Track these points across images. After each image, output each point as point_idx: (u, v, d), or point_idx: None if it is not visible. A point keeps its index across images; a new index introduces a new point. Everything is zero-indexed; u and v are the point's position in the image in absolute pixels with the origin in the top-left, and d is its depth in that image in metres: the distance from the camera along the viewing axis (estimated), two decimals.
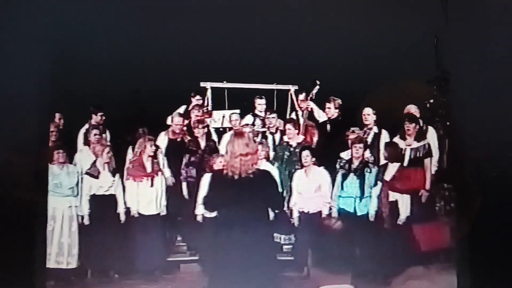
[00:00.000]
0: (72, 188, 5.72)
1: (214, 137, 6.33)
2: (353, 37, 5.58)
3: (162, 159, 6.08)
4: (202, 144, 6.16)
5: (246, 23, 5.47)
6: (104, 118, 6.10)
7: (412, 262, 5.45)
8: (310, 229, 5.46)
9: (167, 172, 6.06)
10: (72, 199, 5.72)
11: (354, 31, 5.53)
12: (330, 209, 5.81)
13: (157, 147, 6.04)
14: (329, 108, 6.22)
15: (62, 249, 5.60)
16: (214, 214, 4.42)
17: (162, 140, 6.15)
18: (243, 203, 4.06)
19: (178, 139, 6.20)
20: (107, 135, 6.12)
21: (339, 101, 6.20)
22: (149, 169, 5.91)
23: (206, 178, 5.48)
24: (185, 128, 6.26)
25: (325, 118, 6.25)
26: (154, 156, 5.95)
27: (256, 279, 4.01)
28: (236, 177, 4.14)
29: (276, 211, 4.75)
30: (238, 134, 4.67)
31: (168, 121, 6.26)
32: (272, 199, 4.28)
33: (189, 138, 6.22)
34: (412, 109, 6.05)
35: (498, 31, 4.82)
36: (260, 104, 6.39)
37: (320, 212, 5.78)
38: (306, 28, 5.57)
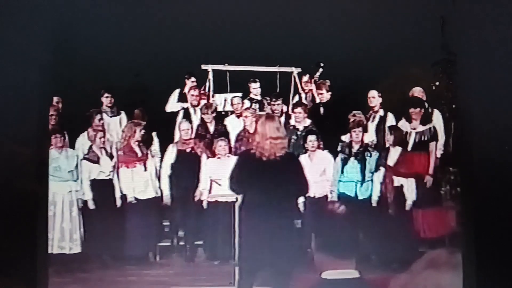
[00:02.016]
0: (71, 171, 5.72)
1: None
2: (358, 18, 5.50)
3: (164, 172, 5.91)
4: (211, 128, 6.11)
5: (248, 4, 5.39)
6: (113, 100, 6.03)
7: (416, 247, 5.43)
8: (316, 214, 5.45)
9: (166, 190, 5.88)
10: (72, 183, 5.73)
11: (358, 12, 5.44)
12: (331, 193, 5.80)
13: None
14: (322, 93, 6.18)
15: (64, 234, 5.62)
16: (239, 196, 4.54)
17: (170, 152, 5.96)
18: (269, 185, 4.16)
19: (188, 150, 5.98)
20: (123, 116, 6.06)
21: (328, 82, 6.17)
22: (139, 154, 5.87)
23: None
24: (193, 135, 6.04)
25: (318, 101, 6.22)
26: (141, 141, 5.88)
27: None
28: (264, 158, 4.29)
29: (300, 196, 4.78)
30: (270, 117, 4.81)
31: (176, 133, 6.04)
32: (297, 184, 4.40)
33: (200, 148, 6.01)
34: (417, 91, 5.99)
35: (506, 12, 4.75)
36: (255, 88, 6.34)
37: (326, 196, 5.77)
38: (310, 10, 5.48)
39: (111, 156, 5.84)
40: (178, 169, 5.90)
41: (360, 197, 5.75)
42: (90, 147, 5.80)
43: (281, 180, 4.30)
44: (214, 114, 6.17)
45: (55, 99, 5.74)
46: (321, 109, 6.18)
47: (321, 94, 6.19)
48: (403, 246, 5.41)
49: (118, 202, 5.80)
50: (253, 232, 4.28)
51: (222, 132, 6.10)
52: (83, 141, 5.86)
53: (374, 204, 5.72)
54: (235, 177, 4.50)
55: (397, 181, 5.80)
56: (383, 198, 5.76)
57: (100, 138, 5.80)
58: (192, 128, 6.06)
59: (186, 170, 5.90)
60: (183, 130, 5.98)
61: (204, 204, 5.78)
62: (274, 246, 4.23)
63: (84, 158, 5.78)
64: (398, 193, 5.78)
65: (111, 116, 6.06)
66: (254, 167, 4.36)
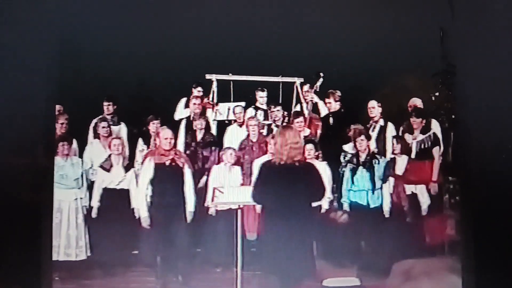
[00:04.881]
0: (77, 179, 5.75)
1: (214, 130, 6.23)
2: (359, 30, 5.56)
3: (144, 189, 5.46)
4: (199, 136, 6.10)
5: (251, 15, 5.46)
6: (114, 107, 6.01)
7: (418, 255, 5.47)
8: (313, 223, 5.51)
9: (144, 211, 5.44)
10: (77, 191, 5.75)
11: (359, 23, 5.51)
12: (331, 203, 5.80)
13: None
14: (329, 102, 6.23)
15: (70, 241, 5.64)
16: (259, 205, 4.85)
17: (147, 167, 5.52)
18: (288, 191, 4.35)
19: (167, 162, 5.51)
20: (122, 127, 6.06)
21: (338, 93, 6.22)
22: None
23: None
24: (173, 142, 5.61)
25: (326, 112, 6.25)
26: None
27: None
28: (282, 163, 4.63)
29: (315, 202, 4.99)
30: (287, 126, 5.22)
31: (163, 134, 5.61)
32: (312, 190, 4.68)
33: (182, 158, 5.62)
34: (417, 102, 6.05)
35: (504, 24, 4.81)
36: (262, 96, 6.36)
37: (320, 207, 5.71)
38: (312, 20, 5.55)
39: (127, 167, 5.82)
40: (159, 186, 5.46)
41: (372, 205, 5.79)
42: (110, 155, 5.81)
43: (299, 186, 4.55)
44: (204, 123, 6.14)
45: (57, 107, 5.76)
46: (331, 119, 6.23)
47: (329, 103, 6.22)
48: (403, 253, 5.45)
49: (137, 213, 5.68)
50: (273, 237, 4.46)
51: (210, 142, 6.11)
52: (92, 150, 5.88)
53: (386, 215, 5.77)
54: (258, 186, 4.72)
55: (408, 189, 5.89)
56: (394, 207, 5.81)
57: (115, 145, 5.80)
58: (172, 135, 5.64)
59: (169, 186, 5.50)
60: (165, 139, 5.51)
61: (212, 211, 5.78)
62: (289, 252, 4.38)
63: (100, 166, 5.79)
64: (412, 200, 5.86)
65: (110, 125, 6.04)
66: (275, 174, 4.61)
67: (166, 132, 5.56)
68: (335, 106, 6.23)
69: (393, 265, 5.34)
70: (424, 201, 5.84)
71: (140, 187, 5.50)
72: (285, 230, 4.44)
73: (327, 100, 6.23)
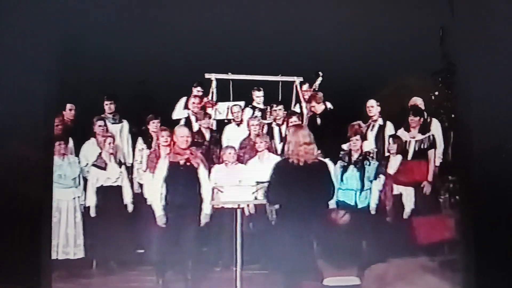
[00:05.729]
0: (75, 178, 5.77)
1: (213, 127, 6.28)
2: (359, 28, 5.57)
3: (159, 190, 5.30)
4: (207, 135, 6.13)
5: (251, 14, 5.46)
6: (115, 106, 6.05)
7: (415, 255, 5.46)
8: (317, 221, 5.50)
9: (160, 210, 5.26)
10: (75, 190, 5.78)
11: (359, 22, 5.52)
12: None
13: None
14: (313, 106, 6.22)
15: (68, 240, 5.66)
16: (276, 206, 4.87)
17: (162, 165, 5.35)
18: (304, 190, 4.52)
19: (182, 162, 5.33)
20: (125, 124, 6.10)
21: (320, 95, 6.22)
22: None
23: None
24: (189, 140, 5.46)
25: (322, 109, 6.24)
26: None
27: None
28: (301, 164, 4.68)
29: (326, 201, 4.99)
30: (299, 126, 5.31)
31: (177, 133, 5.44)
32: (324, 189, 4.76)
33: (198, 157, 5.45)
34: (418, 101, 6.05)
35: (504, 23, 4.81)
36: (258, 96, 6.39)
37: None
38: (311, 20, 5.55)
39: (120, 163, 5.88)
40: (172, 185, 5.31)
41: (359, 206, 5.77)
42: (100, 154, 5.83)
43: (315, 185, 4.61)
44: (209, 122, 6.18)
45: (68, 106, 5.80)
46: (318, 120, 6.22)
47: (313, 107, 6.22)
48: (401, 253, 5.44)
49: (130, 207, 5.80)
50: (288, 237, 4.51)
51: (217, 139, 6.15)
52: (88, 148, 5.90)
53: (372, 212, 5.76)
54: (273, 186, 4.73)
55: (397, 189, 5.87)
56: (381, 206, 5.80)
57: (109, 143, 5.83)
58: (190, 134, 5.56)
59: (182, 185, 5.33)
60: (181, 137, 5.38)
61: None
62: (301, 250, 4.40)
63: (93, 165, 5.81)
64: (397, 201, 5.83)
65: (112, 123, 6.08)
66: (291, 174, 4.65)
67: (183, 131, 5.45)
68: (320, 108, 6.22)
69: (369, 267, 5.34)
70: (408, 204, 5.80)
71: (155, 185, 5.36)
72: (299, 229, 4.44)
73: (310, 106, 6.23)
